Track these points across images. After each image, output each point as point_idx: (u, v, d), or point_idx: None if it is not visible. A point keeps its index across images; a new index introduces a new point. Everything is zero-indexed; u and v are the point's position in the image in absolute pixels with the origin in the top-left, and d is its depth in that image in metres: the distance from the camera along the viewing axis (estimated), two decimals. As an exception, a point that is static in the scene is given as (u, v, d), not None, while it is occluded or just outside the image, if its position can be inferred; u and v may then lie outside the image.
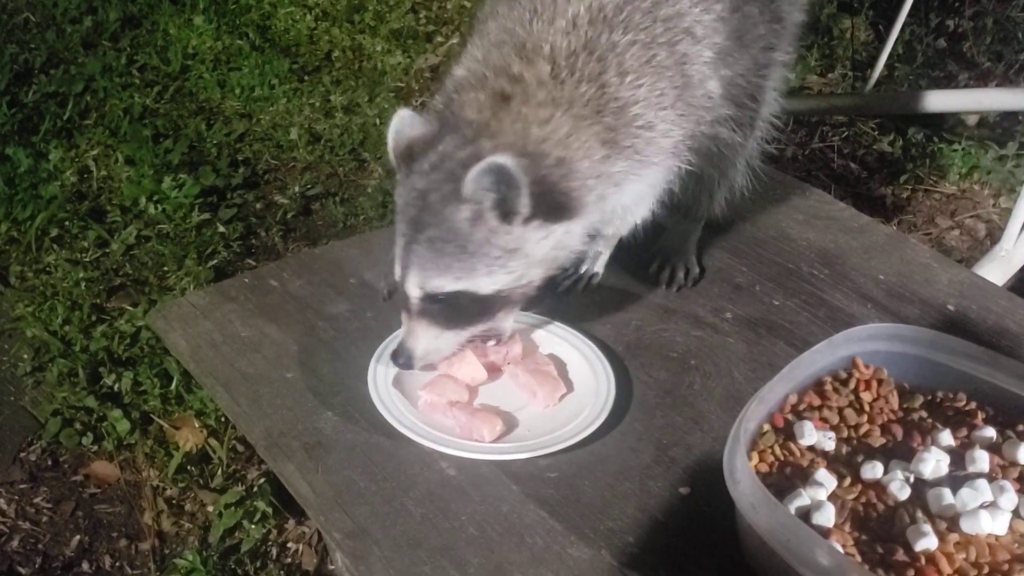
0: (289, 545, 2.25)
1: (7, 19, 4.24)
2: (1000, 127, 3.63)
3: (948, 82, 3.87)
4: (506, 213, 1.35)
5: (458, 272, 1.38)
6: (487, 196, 1.33)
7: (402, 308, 1.47)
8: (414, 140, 1.43)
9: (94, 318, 2.75)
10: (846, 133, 3.68)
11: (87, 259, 2.99)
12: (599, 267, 1.76)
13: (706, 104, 1.54)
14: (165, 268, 2.95)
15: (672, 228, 1.83)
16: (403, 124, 1.44)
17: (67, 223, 3.11)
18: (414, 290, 1.41)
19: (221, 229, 3.13)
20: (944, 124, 3.62)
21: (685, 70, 1.48)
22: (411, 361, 1.46)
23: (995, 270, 2.59)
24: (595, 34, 1.42)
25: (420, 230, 1.38)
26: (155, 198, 3.19)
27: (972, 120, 3.66)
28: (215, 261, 2.99)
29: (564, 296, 1.72)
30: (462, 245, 1.36)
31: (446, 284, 1.39)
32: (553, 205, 1.38)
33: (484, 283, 1.39)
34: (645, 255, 1.82)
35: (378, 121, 3.69)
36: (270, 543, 2.25)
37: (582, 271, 1.74)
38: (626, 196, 1.53)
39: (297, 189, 3.35)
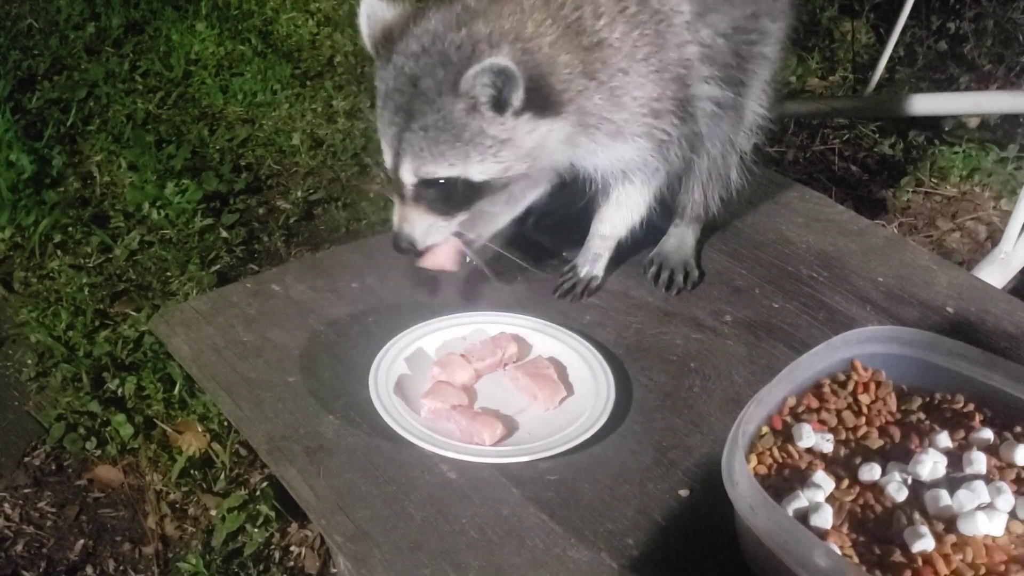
0: (292, 549, 2.26)
1: (11, 26, 4.26)
2: (1001, 129, 3.64)
3: (949, 84, 3.88)
4: (500, 105, 1.39)
5: (452, 159, 1.42)
6: (484, 91, 1.38)
7: (395, 194, 1.49)
8: (391, 22, 1.45)
9: (97, 323, 2.77)
10: (847, 136, 3.69)
11: (90, 264, 3.01)
12: (599, 270, 1.77)
13: (683, 68, 1.57)
14: (168, 273, 2.97)
15: (671, 232, 1.84)
16: (374, 8, 1.45)
17: (70, 229, 3.13)
18: (409, 176, 1.45)
19: (224, 234, 3.15)
20: (945, 127, 3.63)
21: (660, 28, 1.52)
22: (414, 244, 1.51)
23: (995, 272, 2.59)
24: None
25: (413, 118, 1.41)
26: (158, 203, 3.21)
27: (973, 122, 3.67)
28: (218, 266, 3.00)
29: (563, 298, 1.73)
30: (457, 134, 1.41)
31: (440, 170, 1.43)
32: (541, 101, 1.43)
33: (476, 170, 1.44)
34: (644, 258, 1.83)
35: (380, 126, 3.71)
36: (273, 547, 2.26)
37: (581, 274, 1.75)
38: (604, 147, 1.55)
39: (299, 194, 3.37)
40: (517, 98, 1.39)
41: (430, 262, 1.59)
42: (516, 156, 1.45)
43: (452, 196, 1.47)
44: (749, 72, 1.72)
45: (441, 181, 1.45)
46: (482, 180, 1.46)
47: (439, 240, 1.54)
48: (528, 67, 1.40)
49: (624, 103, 1.53)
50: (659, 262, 1.81)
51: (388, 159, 1.47)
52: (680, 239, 1.84)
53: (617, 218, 1.73)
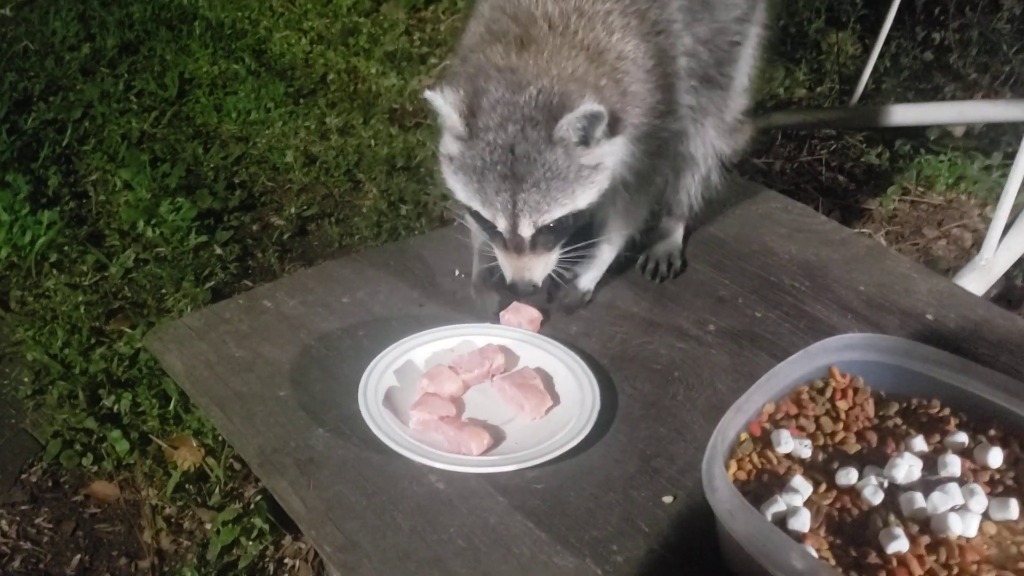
0: (286, 561, 2.28)
1: (6, 48, 4.30)
2: (986, 137, 3.67)
3: (934, 94, 3.92)
4: (586, 139, 1.52)
5: (563, 200, 1.56)
6: (576, 135, 1.51)
7: (507, 250, 1.60)
8: (464, 105, 1.54)
9: (93, 341, 2.79)
10: (834, 146, 3.72)
11: (86, 283, 3.04)
12: (594, 282, 1.83)
13: (676, 75, 1.69)
14: (163, 290, 2.99)
15: (658, 227, 1.95)
16: (444, 98, 1.54)
17: (66, 248, 3.15)
18: (528, 230, 1.57)
19: (218, 251, 3.18)
20: (930, 136, 3.67)
21: (659, 40, 1.63)
22: (536, 286, 1.64)
23: (976, 279, 2.62)
24: (581, 2, 1.59)
25: (522, 180, 1.53)
26: (153, 222, 3.24)
27: (958, 131, 3.70)
28: (212, 283, 3.03)
29: (568, 312, 1.79)
30: (563, 177, 1.54)
31: (555, 213, 1.56)
32: (610, 123, 1.54)
33: (582, 201, 1.57)
34: (630, 269, 1.88)
35: (373, 142, 3.74)
36: (267, 559, 2.28)
37: (584, 286, 1.81)
38: (634, 151, 1.64)
39: (293, 210, 3.40)
40: (600, 130, 1.52)
41: (514, 321, 1.72)
42: (605, 176, 1.59)
43: (561, 229, 1.60)
44: (728, 77, 1.84)
45: (553, 224, 1.57)
46: (587, 206, 1.59)
47: (548, 273, 1.66)
48: (600, 100, 1.51)
49: (645, 109, 1.63)
50: (647, 254, 1.91)
51: (503, 222, 1.57)
52: (666, 235, 1.94)
53: (625, 225, 1.80)
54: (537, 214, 1.55)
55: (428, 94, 1.54)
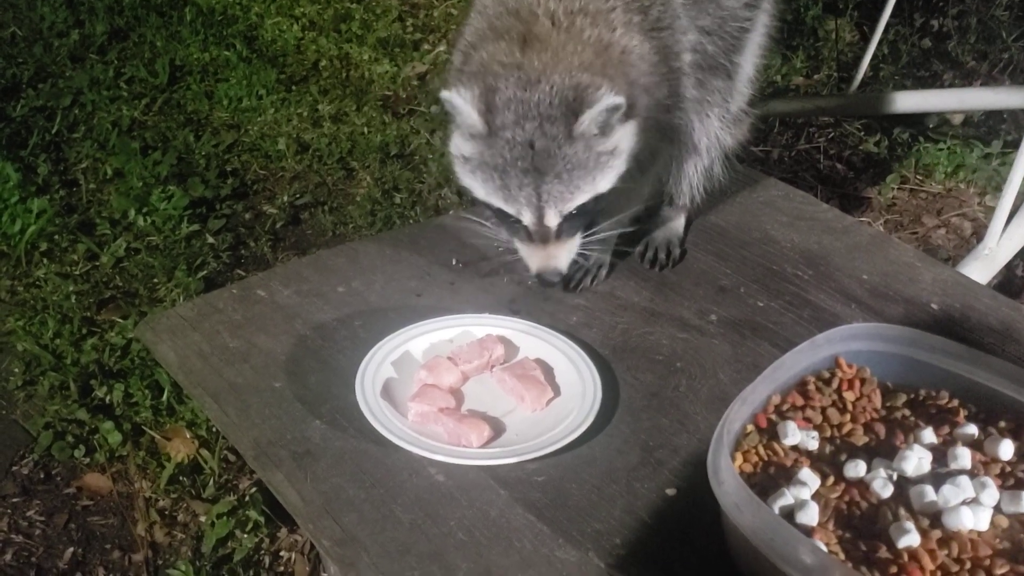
0: (282, 554, 2.26)
1: (-6, 34, 4.25)
2: (985, 125, 3.66)
3: (933, 82, 3.90)
4: (605, 128, 1.54)
5: (584, 187, 1.57)
6: (596, 127, 1.52)
7: (531, 241, 1.61)
8: (481, 103, 1.53)
9: (84, 331, 2.76)
10: (832, 134, 3.70)
11: (77, 272, 3.00)
12: (607, 257, 1.83)
13: (681, 69, 1.69)
14: (155, 280, 2.96)
15: (659, 217, 1.94)
16: (463, 98, 1.54)
17: (56, 237, 3.12)
18: (554, 219, 1.58)
19: (210, 240, 3.14)
20: (929, 124, 3.65)
21: (663, 36, 1.64)
22: (561, 273, 1.66)
23: (979, 268, 2.61)
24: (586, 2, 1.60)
25: (544, 173, 1.54)
26: (144, 210, 3.20)
27: (957, 119, 3.69)
28: (205, 272, 3.00)
29: (577, 289, 1.79)
30: (584, 166, 1.55)
31: (578, 200, 1.58)
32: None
33: (602, 185, 1.59)
34: (631, 259, 1.86)
35: (366, 130, 3.71)
36: (263, 552, 2.26)
37: (591, 261, 1.80)
38: (642, 138, 1.64)
39: (286, 199, 3.37)
40: (616, 118, 1.53)
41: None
42: (622, 160, 1.60)
43: (584, 215, 1.61)
44: (735, 65, 1.82)
45: (576, 211, 1.58)
46: (607, 189, 1.60)
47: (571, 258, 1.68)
48: (615, 90, 1.52)
49: (650, 101, 1.64)
50: (646, 242, 1.89)
51: (528, 215, 1.58)
52: (666, 224, 1.92)
53: (628, 204, 1.78)
54: (562, 203, 1.57)
55: (445, 95, 1.53)
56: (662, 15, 1.63)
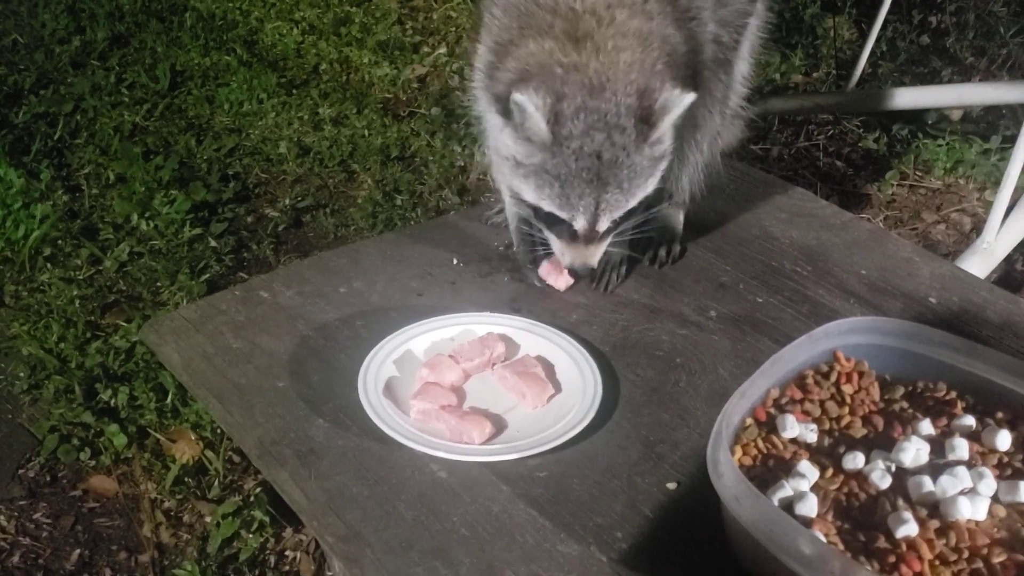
0: (287, 553, 2.27)
1: (-4, 41, 4.27)
2: (984, 121, 3.66)
3: (931, 78, 3.91)
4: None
5: (639, 193, 1.60)
6: (672, 131, 1.56)
7: (574, 241, 1.62)
8: (551, 112, 1.52)
9: (89, 335, 2.77)
10: (831, 131, 3.71)
11: (80, 277, 3.01)
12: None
13: (701, 63, 1.70)
14: (158, 283, 2.97)
15: (658, 213, 1.90)
16: (534, 105, 1.51)
17: (60, 242, 3.13)
18: (605, 225, 1.60)
19: (213, 243, 3.16)
20: (928, 120, 3.65)
21: (691, 27, 1.64)
22: (593, 270, 1.68)
23: (978, 263, 2.62)
24: None
25: (607, 183, 1.55)
26: (147, 214, 3.22)
27: (956, 115, 3.70)
28: (207, 275, 3.01)
29: (606, 289, 1.80)
30: (643, 174, 1.57)
31: (631, 205, 1.60)
32: None
33: (651, 187, 1.62)
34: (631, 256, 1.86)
35: (366, 132, 3.72)
36: (268, 552, 2.27)
37: (614, 260, 1.81)
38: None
39: (287, 202, 3.38)
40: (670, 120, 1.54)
41: (562, 283, 1.78)
42: (667, 160, 1.63)
43: (628, 217, 1.62)
44: (740, 59, 1.83)
45: (624, 215, 1.60)
46: (653, 191, 1.63)
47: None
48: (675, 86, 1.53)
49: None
50: (646, 239, 1.87)
51: (582, 221, 1.58)
52: (666, 220, 1.91)
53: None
54: (617, 210, 1.58)
55: (518, 98, 1.49)
56: (690, 5, 1.63)
